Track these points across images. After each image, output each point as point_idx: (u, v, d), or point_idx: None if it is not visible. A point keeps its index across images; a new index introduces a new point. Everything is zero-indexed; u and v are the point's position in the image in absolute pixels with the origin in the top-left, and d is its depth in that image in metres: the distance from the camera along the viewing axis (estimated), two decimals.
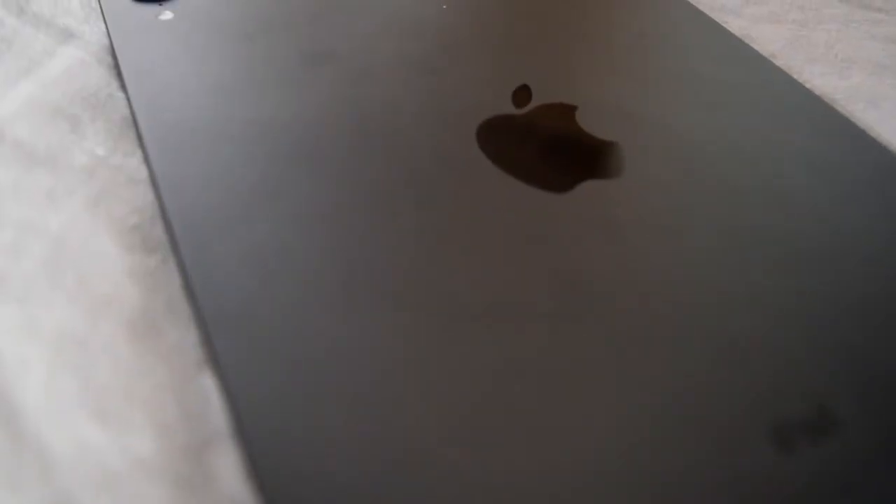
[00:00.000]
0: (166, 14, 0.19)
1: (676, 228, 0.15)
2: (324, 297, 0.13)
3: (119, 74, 0.18)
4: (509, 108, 0.17)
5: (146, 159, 0.15)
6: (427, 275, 0.14)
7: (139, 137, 0.16)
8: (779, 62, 0.22)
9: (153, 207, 0.15)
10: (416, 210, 0.15)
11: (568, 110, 0.18)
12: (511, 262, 0.14)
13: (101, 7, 0.20)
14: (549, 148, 0.17)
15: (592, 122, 0.17)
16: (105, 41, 0.19)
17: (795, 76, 0.21)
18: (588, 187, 0.16)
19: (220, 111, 0.16)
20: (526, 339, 0.13)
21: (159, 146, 0.15)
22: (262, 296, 0.13)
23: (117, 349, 0.12)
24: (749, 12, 0.24)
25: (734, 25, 0.23)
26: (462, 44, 0.19)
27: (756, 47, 0.21)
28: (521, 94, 0.18)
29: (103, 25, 0.20)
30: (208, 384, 0.12)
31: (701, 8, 0.23)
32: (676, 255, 0.15)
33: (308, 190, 0.15)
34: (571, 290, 0.14)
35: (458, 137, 0.16)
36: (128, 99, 0.17)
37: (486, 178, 0.16)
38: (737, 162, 0.17)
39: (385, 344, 0.12)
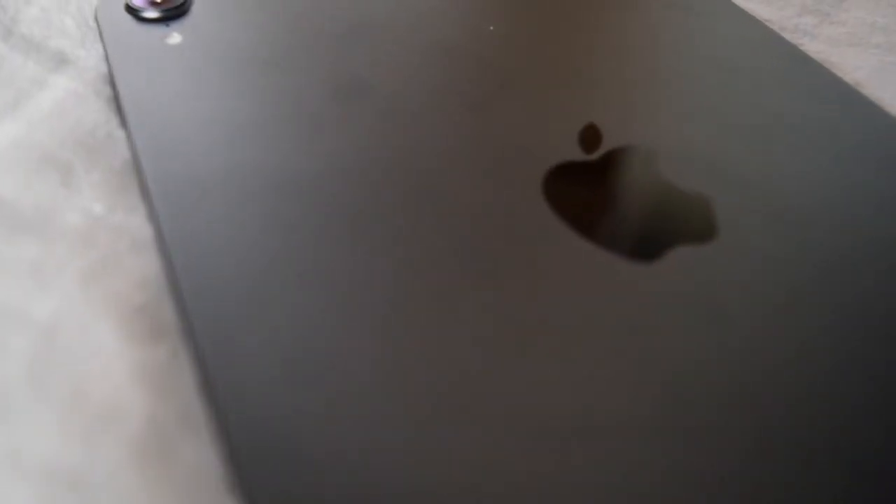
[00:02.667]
0: (174, 37, 0.17)
1: (792, 311, 0.12)
2: (384, 413, 0.10)
3: (119, 109, 0.15)
4: (576, 153, 0.15)
5: (152, 216, 0.13)
6: (497, 387, 0.11)
7: (144, 189, 0.13)
8: (865, 91, 0.19)
9: (161, 279, 0.12)
10: (478, 290, 0.12)
11: (646, 156, 0.15)
12: (597, 364, 0.11)
13: (98, 28, 0.17)
14: (629, 204, 0.14)
15: (675, 171, 0.15)
16: (103, 67, 0.17)
17: (888, 109, 0.18)
18: (680, 256, 0.13)
19: (239, 157, 0.14)
20: (630, 478, 0.10)
21: (169, 203, 0.13)
22: (302, 407, 0.10)
23: (121, 481, 0.10)
24: (826, 34, 0.21)
25: (811, 49, 0.21)
26: (515, 73, 0.17)
27: (839, 74, 0.19)
28: (591, 136, 0.15)
29: (101, 48, 0.17)
30: None
31: (772, 28, 0.20)
32: (798, 348, 0.12)
33: (351, 260, 0.12)
34: (670, 399, 0.11)
35: (519, 191, 0.14)
36: (130, 139, 0.14)
37: (557, 244, 0.13)
38: (851, 223, 0.14)
39: (461, 475, 0.10)
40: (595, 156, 0.15)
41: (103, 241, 0.13)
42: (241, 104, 0.15)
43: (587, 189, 0.14)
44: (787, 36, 0.21)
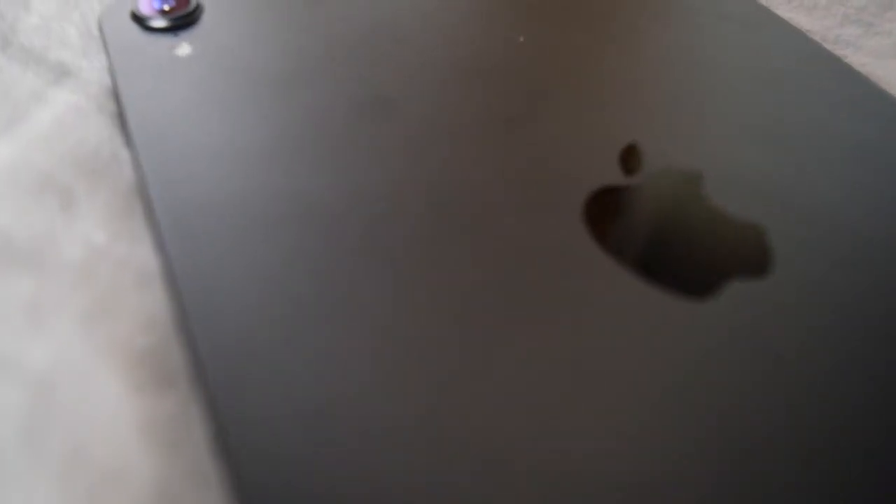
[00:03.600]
0: (183, 48, 0.15)
1: (856, 353, 0.11)
2: (412, 475, 0.09)
3: (124, 126, 0.14)
4: (615, 175, 0.14)
5: (160, 247, 0.12)
6: (530, 432, 0.10)
7: (150, 215, 0.12)
8: None
9: (169, 319, 0.11)
10: (514, 328, 0.11)
11: (691, 179, 0.14)
12: (645, 410, 0.10)
13: (103, 38, 0.16)
14: (676, 233, 0.13)
15: (723, 195, 0.14)
16: (108, 80, 0.16)
17: None
18: (736, 292, 0.12)
19: (257, 182, 0.13)
20: None
21: (179, 233, 0.12)
22: (327, 468, 0.09)
23: None
24: (870, 45, 0.20)
25: (855, 61, 0.19)
26: (548, 88, 0.16)
27: (885, 88, 0.18)
28: (631, 157, 0.14)
29: (105, 59, 0.16)
30: None
31: (814, 38, 0.19)
32: (865, 394, 0.11)
33: (380, 299, 0.11)
34: (725, 452, 0.10)
35: (558, 218, 0.13)
36: (135, 160, 0.13)
37: (598, 277, 0.12)
38: None
39: None
40: (637, 179, 0.14)
41: (105, 275, 0.12)
42: (257, 123, 0.14)
43: (629, 216, 0.13)
44: (829, 47, 0.20)
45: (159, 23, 0.16)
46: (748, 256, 0.13)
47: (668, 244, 0.13)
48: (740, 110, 0.15)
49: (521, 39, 0.17)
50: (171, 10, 0.16)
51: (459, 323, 0.11)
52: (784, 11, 0.20)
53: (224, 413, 0.10)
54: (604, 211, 0.13)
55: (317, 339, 0.10)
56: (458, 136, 0.14)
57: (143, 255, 0.12)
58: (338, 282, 0.11)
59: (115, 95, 0.15)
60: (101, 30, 0.16)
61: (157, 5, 0.16)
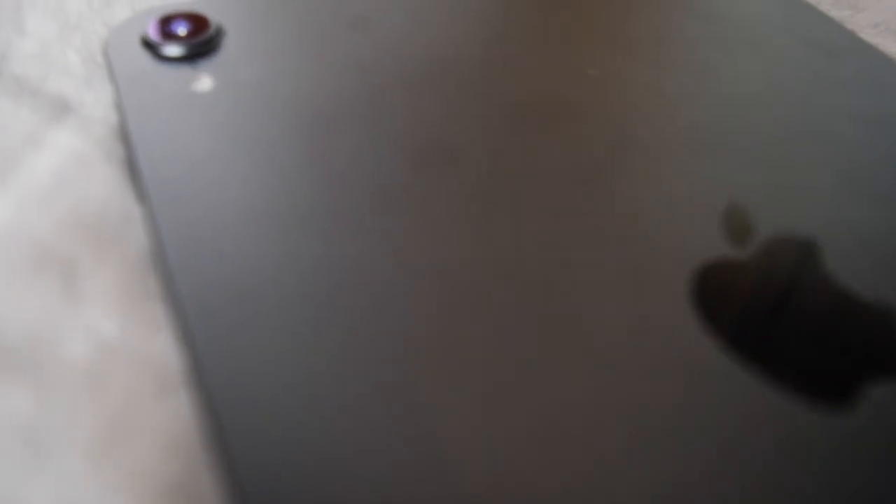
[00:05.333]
0: (203, 81, 0.13)
1: None
2: None
3: (136, 177, 0.12)
4: (720, 244, 0.11)
5: (183, 338, 0.09)
6: None
7: (171, 296, 0.10)
8: None
9: (198, 439, 0.09)
10: (619, 433, 0.09)
11: (809, 250, 0.12)
12: None
13: (109, 67, 0.14)
14: (807, 325, 0.11)
15: (854, 272, 0.11)
16: (114, 117, 0.14)
17: None
18: (877, 398, 0.10)
19: (300, 252, 0.10)
20: None
21: (209, 323, 0.09)
22: None
23: None
24: None
25: None
26: (628, 132, 0.13)
27: None
28: (738, 222, 0.12)
29: (111, 90, 0.14)
30: None
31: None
32: None
33: (463, 417, 0.09)
34: None
35: (657, 301, 0.11)
36: (150, 221, 0.11)
37: (714, 378, 0.10)
38: None
39: None
40: (746, 249, 0.11)
41: (118, 381, 0.09)
42: (296, 176, 0.12)
43: (743, 299, 0.11)
44: None
45: (174, 51, 0.14)
46: (891, 349, 0.10)
47: (797, 337, 0.10)
48: (855, 161, 0.13)
49: (592, 72, 0.14)
50: (188, 34, 0.14)
51: (555, 447, 0.09)
52: (869, 36, 0.18)
53: None
54: (712, 294, 0.11)
55: (398, 478, 0.08)
56: (528, 196, 0.12)
57: (162, 348, 0.10)
58: (414, 404, 0.09)
59: (124, 138, 0.13)
60: (107, 58, 0.14)
61: (170, 29, 0.14)
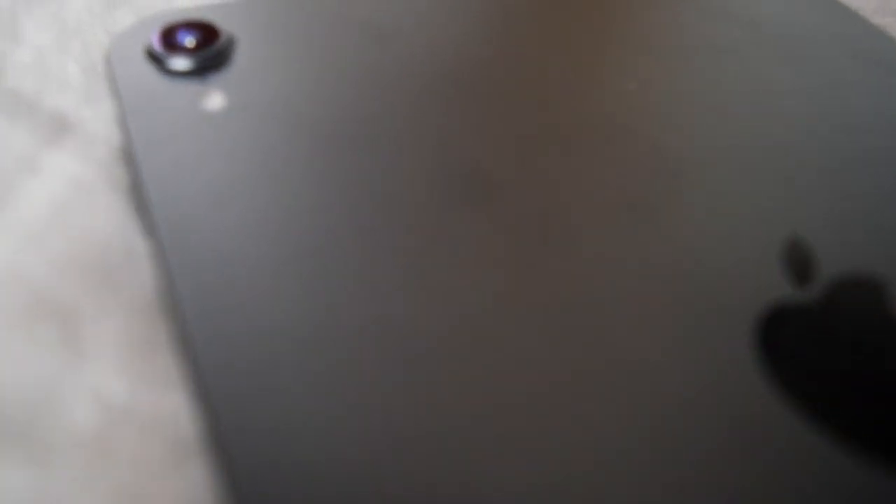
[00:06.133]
0: (215, 99, 0.12)
1: None
2: None
3: (143, 205, 0.11)
4: (781, 284, 0.10)
5: (200, 398, 0.08)
6: None
7: (185, 345, 0.09)
8: None
9: None
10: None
11: (878, 290, 0.11)
12: None
13: (112, 81, 0.13)
14: (879, 373, 0.10)
15: None
16: (117, 135, 0.12)
17: None
18: None
19: (334, 299, 0.09)
20: None
21: (230, 383, 0.08)
22: None
23: None
24: None
25: None
26: (674, 157, 0.12)
27: None
28: (799, 259, 0.11)
29: (114, 105, 0.13)
30: None
31: None
32: None
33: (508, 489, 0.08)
34: None
35: (718, 347, 0.10)
36: (160, 258, 0.10)
37: (784, 437, 0.09)
38: None
39: None
40: (812, 290, 0.10)
41: (127, 451, 0.08)
42: (322, 207, 0.10)
43: (814, 350, 0.10)
44: None
45: (182, 64, 0.13)
46: None
47: (875, 392, 0.09)
48: None
49: (633, 87, 0.13)
50: (196, 46, 0.13)
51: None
52: None
53: None
54: (778, 340, 0.10)
55: None
56: (574, 230, 0.11)
57: (176, 409, 0.09)
58: (471, 490, 0.08)
59: (129, 161, 0.12)
60: (109, 70, 0.13)
61: (176, 40, 0.13)
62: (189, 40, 0.13)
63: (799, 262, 0.11)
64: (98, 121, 0.13)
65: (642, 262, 0.10)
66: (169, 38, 0.13)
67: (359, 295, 0.09)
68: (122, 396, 0.09)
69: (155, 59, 0.13)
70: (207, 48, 0.13)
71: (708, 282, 0.10)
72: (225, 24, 0.13)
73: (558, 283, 0.10)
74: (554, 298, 0.10)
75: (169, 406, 0.09)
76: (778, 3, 0.16)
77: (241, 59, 0.13)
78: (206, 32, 0.13)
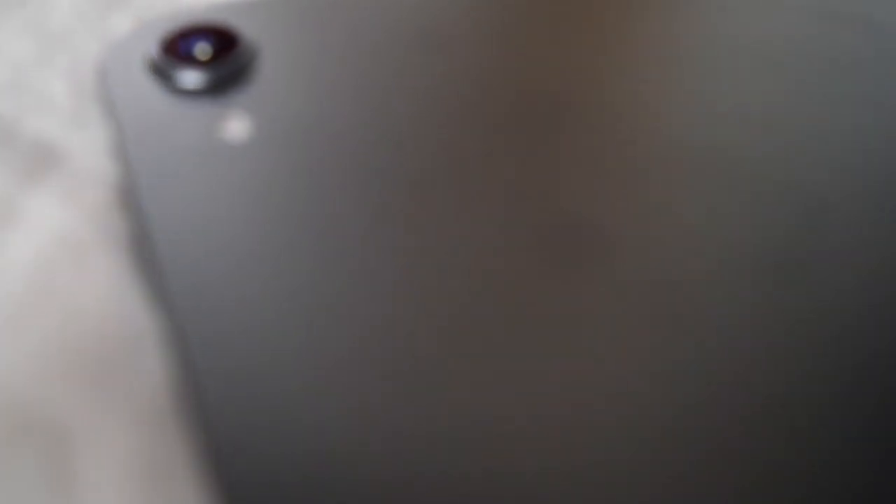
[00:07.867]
0: (236, 125, 0.10)
1: None
2: None
3: (149, 268, 0.09)
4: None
5: None
6: None
7: (213, 475, 0.07)
8: None
9: None
10: None
11: None
12: None
13: (108, 101, 0.10)
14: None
15: None
16: (112, 168, 0.10)
17: None
18: None
19: (396, 402, 0.07)
20: None
21: None
22: None
23: None
24: None
25: None
26: (819, 198, 0.10)
27: None
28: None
29: (106, 129, 0.10)
30: None
31: None
32: None
33: None
34: None
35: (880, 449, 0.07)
36: (174, 343, 0.07)
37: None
38: None
39: None
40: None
41: None
42: (384, 272, 0.08)
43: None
44: None
45: (193, 81, 0.10)
46: None
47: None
48: None
49: (753, 111, 0.11)
50: (211, 57, 0.10)
51: None
52: None
53: None
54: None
55: None
56: (706, 311, 0.08)
57: None
58: None
59: (130, 206, 0.09)
60: (103, 87, 0.10)
61: (185, 49, 0.10)
62: (201, 50, 0.10)
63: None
64: (88, 152, 0.10)
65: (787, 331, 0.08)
66: (176, 46, 0.10)
67: (426, 392, 0.07)
68: None
69: (159, 73, 0.10)
70: (224, 59, 0.10)
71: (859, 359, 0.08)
72: (245, 29, 0.11)
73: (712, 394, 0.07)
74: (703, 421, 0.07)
75: None
76: None
77: (267, 72, 0.10)
78: (223, 39, 0.11)
